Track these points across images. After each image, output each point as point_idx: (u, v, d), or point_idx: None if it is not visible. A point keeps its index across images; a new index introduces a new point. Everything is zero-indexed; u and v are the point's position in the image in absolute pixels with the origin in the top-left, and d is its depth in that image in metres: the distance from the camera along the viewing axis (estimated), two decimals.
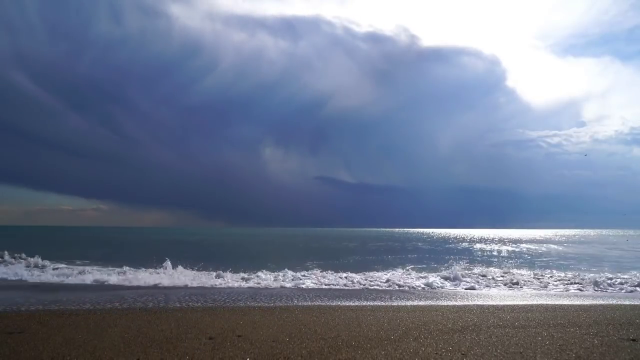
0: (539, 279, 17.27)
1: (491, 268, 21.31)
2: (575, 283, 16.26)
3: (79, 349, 6.04)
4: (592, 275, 17.93)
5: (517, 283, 16.03)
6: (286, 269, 18.08)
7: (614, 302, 11.82)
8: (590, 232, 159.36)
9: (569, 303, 11.32)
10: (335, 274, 17.49)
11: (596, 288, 15.36)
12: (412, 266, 21.86)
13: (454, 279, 16.56)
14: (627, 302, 11.69)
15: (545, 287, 15.58)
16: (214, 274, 16.78)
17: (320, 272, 18.24)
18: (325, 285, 15.32)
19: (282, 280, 15.93)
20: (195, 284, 14.93)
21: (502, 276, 17.81)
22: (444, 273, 17.66)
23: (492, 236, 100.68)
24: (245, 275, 16.78)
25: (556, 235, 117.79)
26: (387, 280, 16.28)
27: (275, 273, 17.46)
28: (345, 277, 16.70)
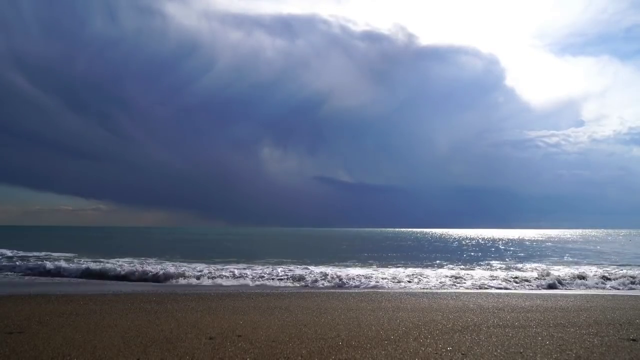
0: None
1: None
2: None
3: (79, 349, 6.03)
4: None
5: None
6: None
7: (615, 300, 11.82)
8: (597, 232, 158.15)
9: (562, 290, 11.32)
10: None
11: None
12: None
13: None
14: (623, 294, 11.67)
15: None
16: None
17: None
18: None
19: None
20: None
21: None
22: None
23: (478, 236, 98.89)
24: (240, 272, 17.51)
25: (545, 235, 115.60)
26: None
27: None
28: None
